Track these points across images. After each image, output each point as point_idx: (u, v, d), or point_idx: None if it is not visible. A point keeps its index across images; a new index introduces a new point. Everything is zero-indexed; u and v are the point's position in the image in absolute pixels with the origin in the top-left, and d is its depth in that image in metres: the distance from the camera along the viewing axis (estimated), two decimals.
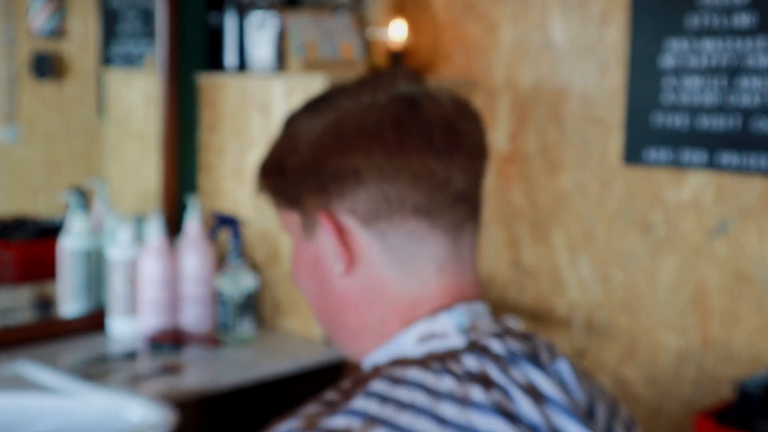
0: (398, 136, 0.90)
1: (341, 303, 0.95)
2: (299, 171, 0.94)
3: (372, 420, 0.82)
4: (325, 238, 0.94)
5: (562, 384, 0.91)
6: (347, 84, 0.97)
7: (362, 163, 0.90)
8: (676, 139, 2.22)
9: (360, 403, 0.84)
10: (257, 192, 1.01)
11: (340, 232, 0.92)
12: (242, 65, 2.47)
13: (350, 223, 0.92)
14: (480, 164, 0.95)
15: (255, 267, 2.46)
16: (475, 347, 0.89)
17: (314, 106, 0.96)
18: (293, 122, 0.97)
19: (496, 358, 0.88)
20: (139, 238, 2.34)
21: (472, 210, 0.95)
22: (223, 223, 2.34)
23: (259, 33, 2.41)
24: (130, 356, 2.15)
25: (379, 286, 0.93)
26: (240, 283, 2.31)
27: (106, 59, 2.52)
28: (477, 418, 0.83)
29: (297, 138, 0.95)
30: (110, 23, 2.50)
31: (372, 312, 0.94)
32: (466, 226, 0.94)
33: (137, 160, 2.54)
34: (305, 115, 0.96)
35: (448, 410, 0.83)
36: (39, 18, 2.39)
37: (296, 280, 1.00)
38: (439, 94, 0.95)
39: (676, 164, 2.22)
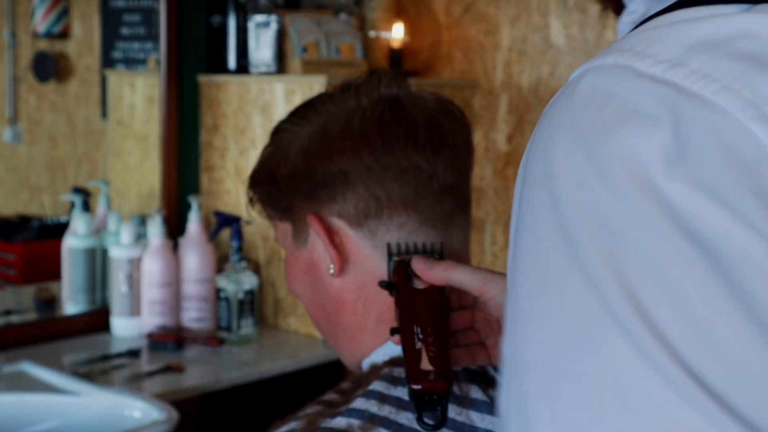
0: (383, 136, 0.91)
1: (337, 305, 0.96)
2: (290, 178, 0.95)
3: (372, 419, 0.82)
4: (315, 241, 0.95)
5: None
6: (332, 90, 0.98)
7: (350, 165, 0.91)
8: None
9: (360, 403, 0.84)
10: (250, 204, 1.02)
11: (330, 233, 0.93)
12: (243, 66, 2.48)
13: (340, 224, 0.93)
14: (466, 159, 0.96)
15: (256, 266, 2.47)
16: None
17: (300, 114, 0.97)
18: (281, 131, 0.98)
19: None
20: (141, 237, 2.35)
21: (461, 204, 0.95)
22: (224, 222, 2.34)
23: (260, 34, 2.42)
24: (132, 355, 2.15)
25: (373, 284, 0.93)
26: (241, 282, 2.31)
27: (109, 60, 2.53)
28: (476, 417, 0.84)
29: (285, 146, 0.96)
30: (112, 25, 2.50)
31: (368, 312, 0.94)
32: (455, 220, 0.95)
33: (139, 160, 2.55)
34: (292, 123, 0.97)
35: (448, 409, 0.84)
36: (42, 20, 2.40)
37: (292, 288, 1.01)
38: (422, 95, 0.96)
39: None
